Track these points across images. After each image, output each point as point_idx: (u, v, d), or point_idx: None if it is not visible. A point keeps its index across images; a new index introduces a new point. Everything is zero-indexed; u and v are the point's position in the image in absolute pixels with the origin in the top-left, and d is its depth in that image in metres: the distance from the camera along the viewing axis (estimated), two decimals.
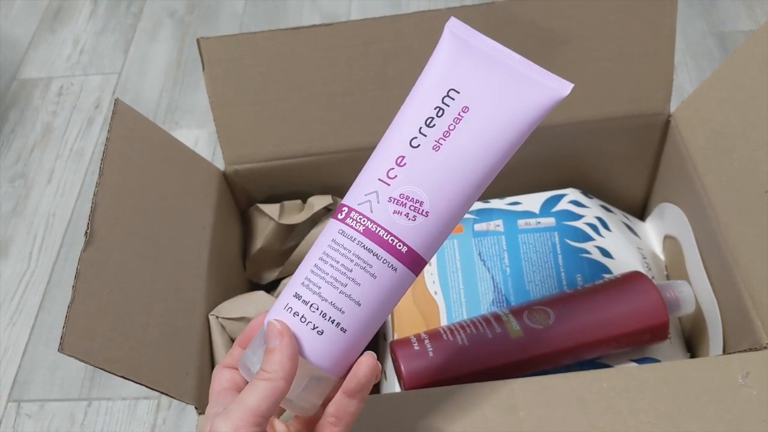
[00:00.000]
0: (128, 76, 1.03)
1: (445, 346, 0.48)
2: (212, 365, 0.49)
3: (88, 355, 0.39)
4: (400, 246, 0.34)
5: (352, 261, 0.34)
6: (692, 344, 0.55)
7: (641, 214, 0.66)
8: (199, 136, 0.94)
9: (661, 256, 0.60)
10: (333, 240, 0.34)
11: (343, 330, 0.34)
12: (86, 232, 0.43)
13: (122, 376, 0.41)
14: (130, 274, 0.44)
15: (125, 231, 0.45)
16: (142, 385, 0.42)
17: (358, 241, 0.34)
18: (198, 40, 0.53)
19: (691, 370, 0.42)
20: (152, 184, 0.49)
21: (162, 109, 0.98)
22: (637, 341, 0.50)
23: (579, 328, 0.48)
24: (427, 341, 0.48)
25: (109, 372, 0.40)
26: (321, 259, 0.34)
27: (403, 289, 0.35)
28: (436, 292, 0.55)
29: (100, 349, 0.40)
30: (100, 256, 0.43)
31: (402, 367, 0.47)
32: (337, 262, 0.34)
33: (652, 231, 0.62)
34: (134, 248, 0.46)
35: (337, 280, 0.34)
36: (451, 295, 0.54)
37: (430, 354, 0.47)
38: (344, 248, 0.34)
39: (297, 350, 0.33)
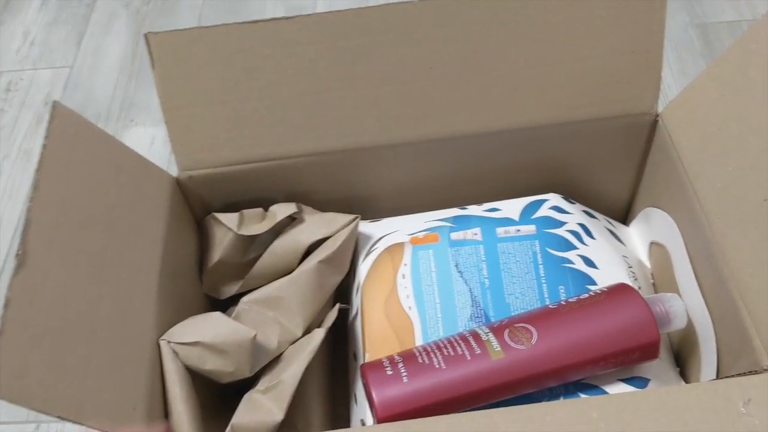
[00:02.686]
0: (80, 70, 0.97)
1: (421, 370, 0.44)
2: (164, 396, 0.44)
3: (18, 395, 0.35)
4: None
5: None
6: (682, 359, 0.52)
7: (624, 218, 0.63)
8: (155, 134, 0.89)
9: (647, 264, 0.57)
10: None
11: None
12: (18, 254, 0.38)
13: (59, 417, 0.36)
14: (70, 299, 0.40)
15: (65, 250, 0.41)
16: (82, 425, 0.37)
17: None
18: (146, 36, 0.48)
19: (689, 398, 0.39)
20: (96, 195, 0.44)
21: (116, 106, 0.92)
22: (626, 361, 0.46)
23: (563, 347, 0.45)
24: (400, 364, 0.44)
25: (44, 413, 0.36)
26: None
27: None
28: (410, 308, 0.51)
29: (34, 387, 0.36)
30: (34, 280, 0.38)
31: (374, 395, 0.43)
32: None
33: (637, 237, 0.59)
34: (75, 269, 0.41)
35: None
36: (426, 311, 0.50)
37: (405, 379, 0.43)
38: None
39: None
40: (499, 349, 0.44)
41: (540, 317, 0.46)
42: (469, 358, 0.44)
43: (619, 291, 0.47)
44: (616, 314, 0.46)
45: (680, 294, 0.51)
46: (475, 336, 0.45)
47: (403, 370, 0.44)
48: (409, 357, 0.45)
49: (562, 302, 0.47)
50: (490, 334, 0.45)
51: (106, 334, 0.41)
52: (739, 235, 0.43)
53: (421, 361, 0.44)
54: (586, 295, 0.47)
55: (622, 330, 0.45)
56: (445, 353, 0.44)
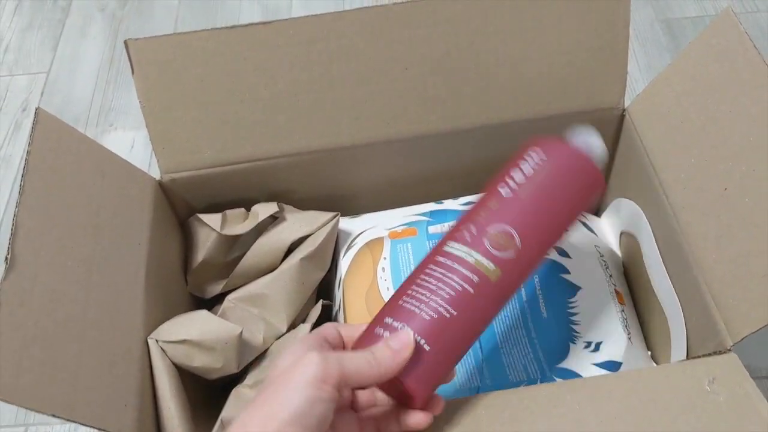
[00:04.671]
0: (57, 75, 0.97)
1: (437, 330, 0.39)
2: (154, 393, 0.45)
3: (13, 394, 0.36)
4: None
5: None
6: (653, 343, 0.54)
7: (595, 209, 0.65)
8: (135, 137, 0.89)
9: (618, 253, 0.59)
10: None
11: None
12: (7, 258, 0.39)
13: (53, 415, 0.37)
14: (59, 301, 0.41)
15: (52, 254, 0.42)
16: (75, 422, 0.38)
17: None
18: (126, 42, 0.49)
19: (658, 378, 0.41)
20: (81, 199, 0.45)
21: (95, 110, 0.93)
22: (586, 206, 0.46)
23: (543, 235, 0.43)
24: (415, 335, 0.38)
25: (38, 411, 0.37)
26: None
27: None
28: None
29: (28, 387, 0.37)
30: (24, 284, 0.39)
31: (405, 382, 0.38)
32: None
33: (608, 227, 0.61)
34: (63, 272, 0.42)
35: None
36: None
37: (426, 347, 0.39)
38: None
39: (404, 364, 0.37)
40: (493, 267, 0.40)
41: (507, 212, 0.42)
42: (473, 291, 0.40)
43: (555, 151, 0.45)
44: (569, 178, 0.44)
45: (651, 281, 0.53)
46: (461, 261, 0.40)
47: (419, 338, 0.38)
48: (412, 319, 0.39)
49: (508, 185, 0.43)
50: (474, 253, 0.40)
51: (96, 334, 0.42)
52: (703, 223, 0.45)
53: (428, 318, 0.39)
54: (530, 169, 0.44)
55: (579, 191, 0.44)
56: (446, 295, 0.39)
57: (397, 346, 0.37)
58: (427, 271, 0.41)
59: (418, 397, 0.39)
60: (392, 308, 0.40)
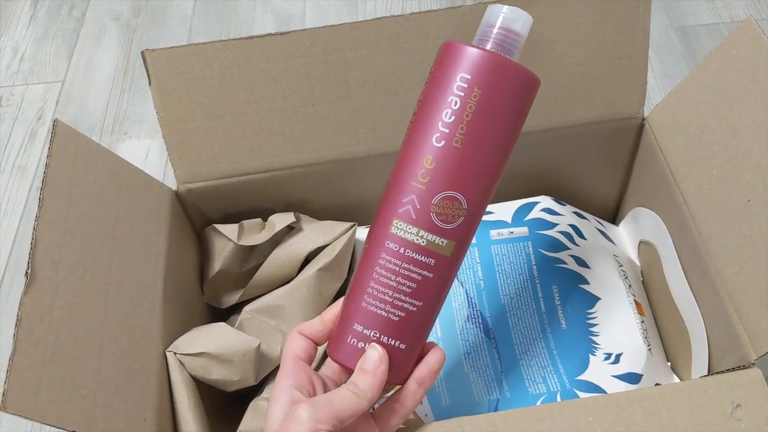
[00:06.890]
0: (72, 84, 0.98)
1: (407, 327, 0.39)
2: (172, 406, 0.45)
3: (33, 411, 0.36)
4: None
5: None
6: (673, 354, 0.54)
7: (613, 218, 0.65)
8: (150, 146, 0.89)
9: (637, 262, 0.59)
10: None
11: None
12: (26, 273, 0.39)
13: (73, 431, 0.37)
14: (78, 316, 0.41)
15: (71, 267, 0.42)
16: None
17: None
18: (143, 53, 0.49)
19: (680, 399, 0.40)
20: (99, 212, 0.45)
21: (109, 119, 0.93)
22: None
23: (492, 177, 0.39)
24: (385, 338, 0.39)
25: (58, 428, 0.37)
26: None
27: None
28: None
29: (48, 403, 0.37)
30: (43, 299, 0.39)
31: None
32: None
33: (626, 236, 0.60)
34: (82, 286, 0.42)
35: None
36: None
37: (402, 347, 0.39)
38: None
39: (386, 377, 0.38)
40: (446, 242, 0.38)
41: (448, 172, 0.38)
42: (431, 275, 0.38)
43: (480, 68, 0.38)
44: (505, 97, 0.38)
45: (671, 291, 0.52)
46: (413, 247, 0.38)
47: (393, 342, 0.39)
48: (382, 324, 0.39)
49: (439, 130, 0.38)
50: (423, 234, 0.38)
51: (115, 348, 0.42)
52: (724, 234, 0.45)
53: (397, 319, 0.39)
54: (456, 101, 0.38)
55: (517, 105, 0.39)
56: (407, 289, 0.38)
57: (371, 366, 0.38)
58: (381, 262, 0.39)
59: (405, 380, 0.40)
60: (358, 312, 0.39)
